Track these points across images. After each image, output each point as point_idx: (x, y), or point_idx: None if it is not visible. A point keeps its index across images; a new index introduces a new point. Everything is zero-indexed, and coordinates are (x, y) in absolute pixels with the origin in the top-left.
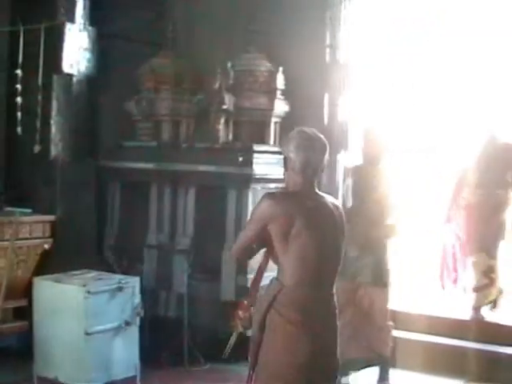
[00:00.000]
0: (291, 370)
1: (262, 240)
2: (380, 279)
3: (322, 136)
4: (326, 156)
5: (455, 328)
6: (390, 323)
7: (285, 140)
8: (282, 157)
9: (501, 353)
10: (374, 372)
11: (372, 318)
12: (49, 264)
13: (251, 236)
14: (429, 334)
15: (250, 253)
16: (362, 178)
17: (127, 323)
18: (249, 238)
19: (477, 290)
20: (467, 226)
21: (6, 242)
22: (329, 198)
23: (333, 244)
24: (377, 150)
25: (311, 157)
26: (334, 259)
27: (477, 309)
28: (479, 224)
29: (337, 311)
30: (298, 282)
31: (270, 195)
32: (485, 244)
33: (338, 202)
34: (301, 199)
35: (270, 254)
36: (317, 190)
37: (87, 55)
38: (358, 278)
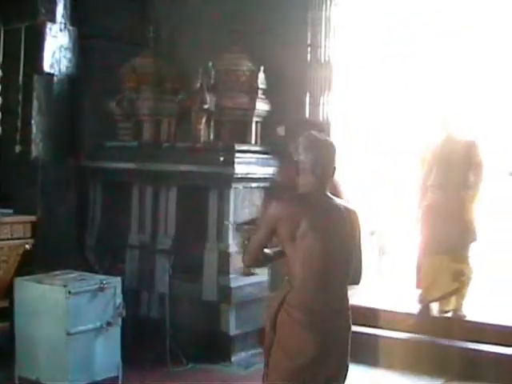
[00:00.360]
0: (297, 370)
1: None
2: None
3: (328, 138)
4: (336, 158)
5: (435, 326)
6: None
7: (294, 146)
8: (264, 156)
9: (481, 351)
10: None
11: None
12: (30, 264)
13: (261, 239)
14: (408, 332)
15: (264, 259)
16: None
17: (109, 323)
18: (259, 241)
19: (447, 295)
20: (428, 227)
21: None
22: (340, 201)
23: (340, 246)
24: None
25: (319, 157)
26: (342, 261)
27: (456, 310)
28: (440, 226)
29: (349, 312)
30: (304, 282)
31: (277, 198)
32: (447, 247)
33: (352, 206)
34: (308, 201)
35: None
36: (327, 193)
37: (68, 55)
38: None
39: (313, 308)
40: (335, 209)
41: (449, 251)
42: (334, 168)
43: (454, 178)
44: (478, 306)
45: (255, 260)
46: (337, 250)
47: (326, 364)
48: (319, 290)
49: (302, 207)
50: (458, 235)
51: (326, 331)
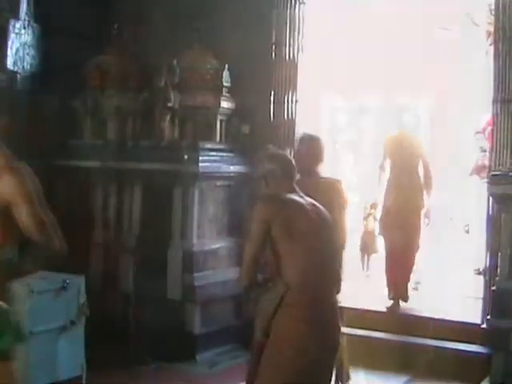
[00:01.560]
0: (307, 368)
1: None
2: None
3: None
4: (295, 167)
5: (400, 324)
6: None
7: (256, 163)
8: (229, 154)
9: (445, 348)
10: None
11: None
12: None
13: (255, 250)
14: (372, 330)
15: (259, 281)
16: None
17: (72, 322)
18: (253, 253)
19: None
20: None
21: None
22: (315, 201)
23: (329, 243)
24: (312, 160)
25: (285, 162)
26: (331, 257)
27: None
28: None
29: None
30: (304, 280)
31: (263, 199)
32: None
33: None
34: (293, 200)
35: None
36: (301, 194)
37: (32, 52)
38: None
39: (314, 304)
40: (317, 207)
41: None
42: (296, 177)
43: None
44: (443, 304)
45: (252, 278)
46: (327, 246)
47: (328, 360)
48: (318, 286)
49: (292, 206)
50: None
51: (327, 327)
